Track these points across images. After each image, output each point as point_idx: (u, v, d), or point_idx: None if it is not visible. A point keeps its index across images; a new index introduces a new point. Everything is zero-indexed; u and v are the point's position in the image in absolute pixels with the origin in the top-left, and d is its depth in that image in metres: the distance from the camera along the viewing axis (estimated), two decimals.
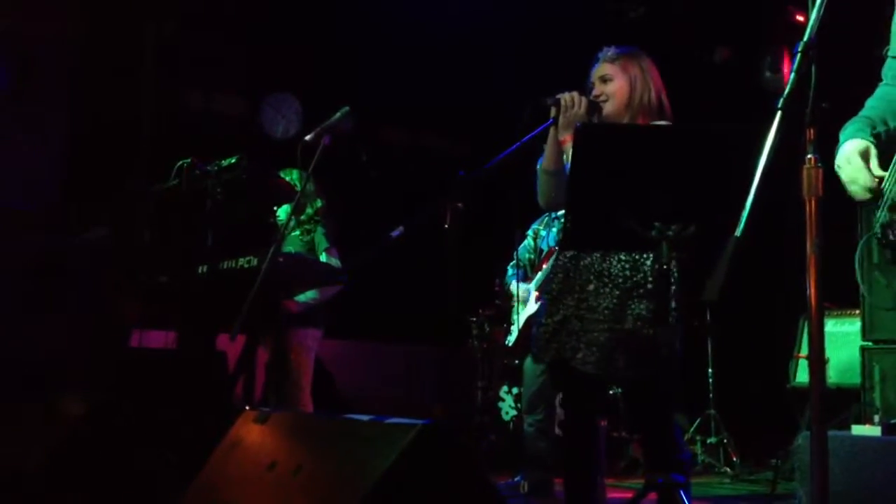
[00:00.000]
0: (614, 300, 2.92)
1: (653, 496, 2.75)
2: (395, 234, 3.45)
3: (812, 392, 2.09)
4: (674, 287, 2.86)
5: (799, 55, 2.05)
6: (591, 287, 2.96)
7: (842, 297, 5.30)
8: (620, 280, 2.94)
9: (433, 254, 3.53)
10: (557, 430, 5.41)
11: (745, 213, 2.02)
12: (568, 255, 3.07)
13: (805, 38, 2.06)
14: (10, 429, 3.91)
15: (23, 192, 4.87)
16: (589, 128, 2.83)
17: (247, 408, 2.82)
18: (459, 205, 3.32)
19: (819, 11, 2.09)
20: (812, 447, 2.07)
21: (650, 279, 2.92)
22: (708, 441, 6.22)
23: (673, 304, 2.86)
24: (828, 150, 2.14)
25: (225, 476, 2.30)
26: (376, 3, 6.50)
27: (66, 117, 5.06)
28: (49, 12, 4.88)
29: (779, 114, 2.04)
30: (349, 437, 2.05)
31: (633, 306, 2.92)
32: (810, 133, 2.05)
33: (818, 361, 2.07)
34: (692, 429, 6.28)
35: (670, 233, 2.63)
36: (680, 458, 3.01)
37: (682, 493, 2.65)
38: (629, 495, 3.31)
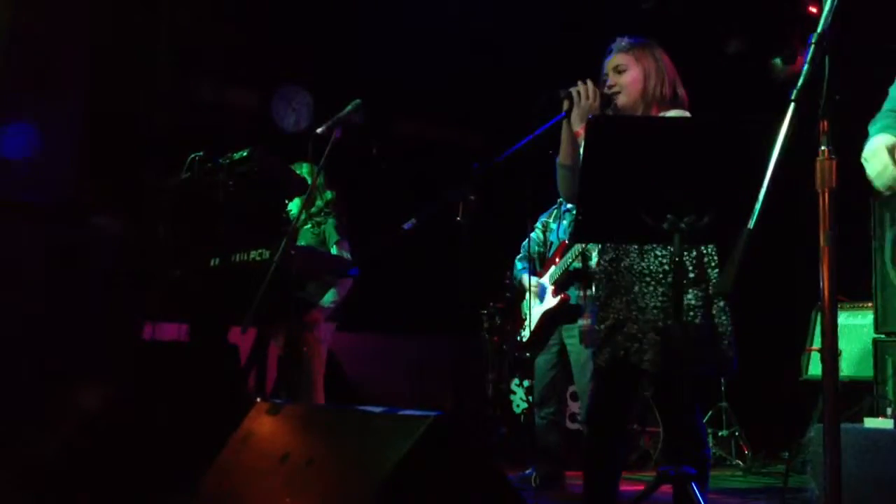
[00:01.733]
0: (661, 298, 2.90)
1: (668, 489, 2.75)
2: (407, 226, 3.45)
3: (825, 385, 2.08)
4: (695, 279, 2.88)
5: (812, 47, 2.04)
6: (637, 288, 2.94)
7: (855, 290, 5.29)
8: (661, 276, 2.92)
9: (446, 246, 3.54)
10: (569, 424, 5.43)
11: (758, 205, 2.01)
12: (607, 259, 3.06)
13: (818, 30, 2.05)
14: (26, 423, 3.93)
15: (36, 186, 4.88)
16: (601, 119, 2.82)
17: (258, 400, 2.82)
18: (472, 197, 3.32)
19: (833, 3, 2.08)
20: (825, 440, 2.07)
21: (690, 268, 2.91)
22: (720, 434, 6.21)
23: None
24: (841, 142, 2.13)
25: (238, 468, 2.31)
26: None
27: (80, 111, 5.07)
28: (63, 7, 4.89)
29: (792, 106, 2.03)
30: (361, 428, 2.05)
31: (684, 298, 2.90)
32: (824, 125, 2.04)
33: (832, 354, 2.06)
34: (703, 421, 6.27)
35: (683, 225, 2.63)
36: (702, 453, 3.00)
37: (694, 485, 2.64)
38: (640, 487, 3.30)
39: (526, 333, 4.80)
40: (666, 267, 2.91)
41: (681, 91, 3.15)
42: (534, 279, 4.72)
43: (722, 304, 2.96)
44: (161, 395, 4.21)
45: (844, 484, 3.62)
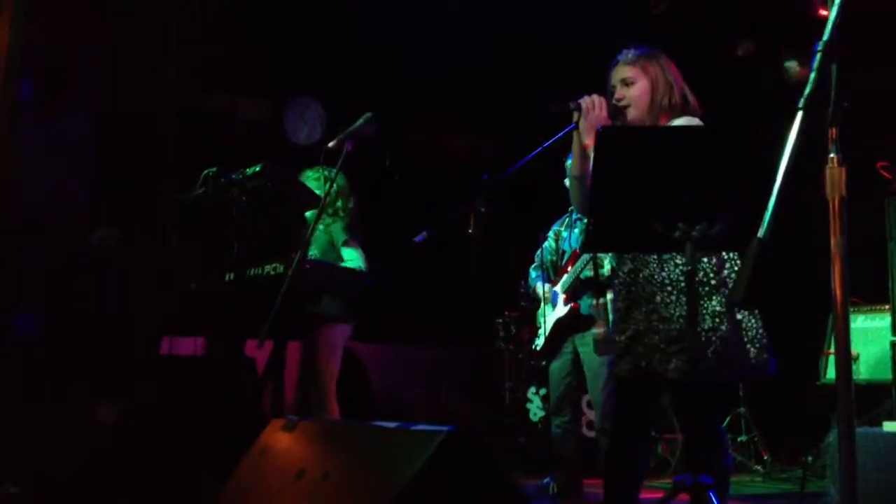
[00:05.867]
0: (684, 306, 2.88)
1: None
2: (419, 239, 3.46)
3: (839, 390, 2.07)
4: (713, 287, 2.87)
5: (819, 54, 2.04)
6: (658, 298, 2.93)
7: (871, 293, 5.26)
8: (682, 284, 2.91)
9: (460, 257, 3.55)
10: (585, 431, 5.42)
11: (767, 214, 2.01)
12: (626, 270, 3.05)
13: (825, 37, 2.05)
14: (48, 435, 3.96)
15: (51, 203, 4.92)
16: (609, 130, 2.82)
17: (273, 416, 2.84)
18: (483, 209, 3.33)
19: (839, 10, 2.08)
20: (840, 445, 2.06)
21: (711, 275, 2.91)
22: (738, 439, 6.19)
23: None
24: (852, 148, 2.12)
25: (254, 484, 2.32)
26: (400, 4, 6.51)
27: (94, 126, 5.11)
28: (75, 20, 4.93)
29: (800, 114, 2.03)
30: (376, 444, 2.06)
31: (705, 305, 2.89)
32: (833, 132, 2.04)
33: (844, 360, 2.06)
34: (723, 428, 6.24)
35: (694, 233, 2.63)
36: (723, 463, 2.99)
37: (711, 494, 2.63)
38: (658, 495, 3.29)
39: (540, 342, 4.80)
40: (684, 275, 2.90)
41: (691, 98, 3.14)
42: (547, 286, 4.73)
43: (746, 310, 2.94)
44: (178, 410, 4.24)
45: (863, 487, 3.61)
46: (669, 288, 2.92)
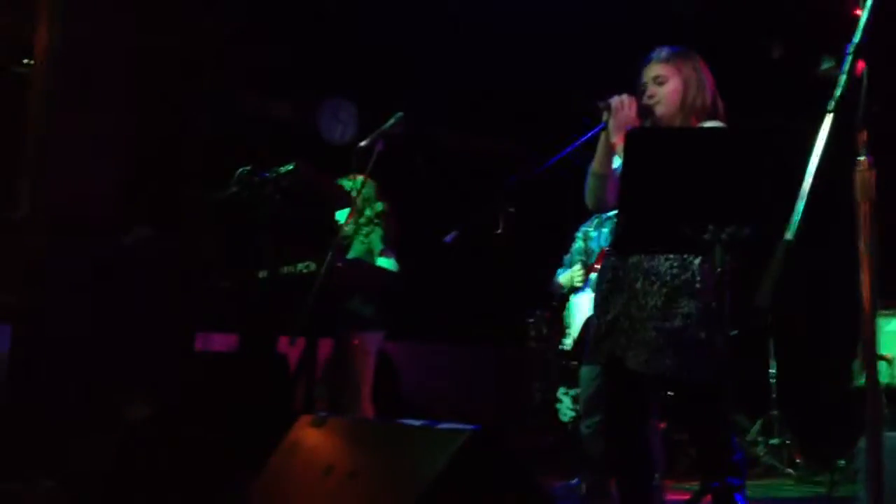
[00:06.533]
0: (662, 298, 2.90)
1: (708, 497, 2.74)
2: (448, 238, 3.48)
3: (867, 393, 2.07)
4: (729, 289, 2.85)
5: (849, 56, 2.03)
6: (639, 285, 2.94)
7: None
8: (668, 278, 2.91)
9: (489, 257, 3.56)
10: None
11: (795, 217, 2.01)
12: (614, 258, 3.07)
13: (855, 39, 2.04)
14: (80, 431, 4.03)
15: (83, 201, 4.99)
16: (641, 132, 2.82)
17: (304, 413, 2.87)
18: (511, 209, 3.34)
19: (870, 11, 2.07)
20: (867, 449, 2.05)
21: (699, 279, 2.90)
22: (770, 442, 6.14)
23: (726, 306, 2.84)
24: (882, 152, 2.11)
25: (283, 480, 2.36)
26: (430, 5, 6.53)
27: (125, 125, 5.17)
28: (107, 19, 5.00)
29: (830, 116, 2.02)
30: (401, 442, 2.08)
31: (682, 304, 2.90)
32: (862, 136, 2.03)
33: (871, 364, 2.05)
34: (754, 430, 6.20)
35: (724, 236, 2.63)
36: (733, 461, 2.98)
37: (737, 496, 2.63)
38: (688, 496, 3.28)
39: (568, 342, 4.79)
40: (675, 270, 2.90)
41: (719, 102, 3.14)
42: (568, 272, 4.71)
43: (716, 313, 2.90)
44: (211, 405, 4.29)
45: (892, 492, 3.58)
46: (653, 277, 2.92)
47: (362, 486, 2.02)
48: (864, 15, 2.07)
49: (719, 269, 2.62)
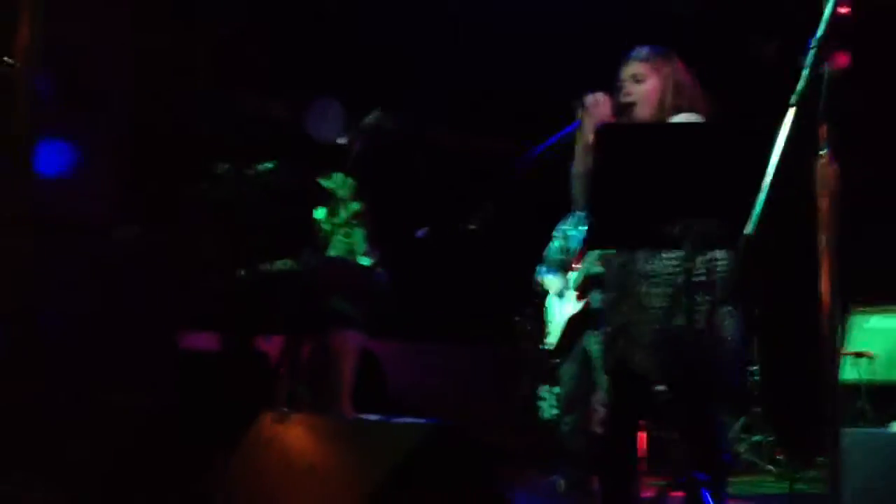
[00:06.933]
0: (666, 299, 2.88)
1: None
2: (420, 233, 3.47)
3: (827, 390, 2.07)
4: (707, 285, 2.86)
5: (812, 51, 2.04)
6: (643, 289, 2.93)
7: (886, 292, 5.22)
8: (669, 278, 2.90)
9: (473, 255, 3.56)
10: (596, 429, 5.41)
11: (756, 211, 2.01)
12: (616, 264, 3.06)
13: (818, 34, 2.05)
14: (72, 428, 4.01)
15: (74, 198, 4.98)
16: (607, 127, 2.82)
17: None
18: (489, 206, 3.33)
19: (833, 7, 2.08)
20: (828, 444, 2.06)
21: (697, 274, 2.89)
22: (753, 439, 6.15)
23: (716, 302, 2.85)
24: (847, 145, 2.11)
25: (245, 475, 2.36)
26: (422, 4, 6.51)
27: (119, 122, 5.16)
28: (102, 18, 4.98)
29: (792, 110, 2.03)
30: (360, 438, 2.09)
31: (684, 301, 2.88)
32: (823, 129, 2.04)
33: (831, 361, 2.06)
34: (737, 427, 6.21)
35: (692, 229, 2.63)
36: (718, 459, 2.98)
37: (704, 491, 2.63)
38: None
39: (551, 340, 4.80)
40: (673, 269, 2.90)
41: (700, 102, 3.12)
42: (555, 277, 4.72)
43: (728, 310, 2.92)
44: (192, 404, 4.29)
45: (871, 489, 3.59)
46: (655, 279, 2.91)
47: (320, 481, 2.02)
48: (827, 9, 2.07)
49: (687, 265, 2.63)
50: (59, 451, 3.94)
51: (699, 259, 2.89)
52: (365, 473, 1.89)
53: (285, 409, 2.61)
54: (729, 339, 2.88)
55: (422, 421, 1.89)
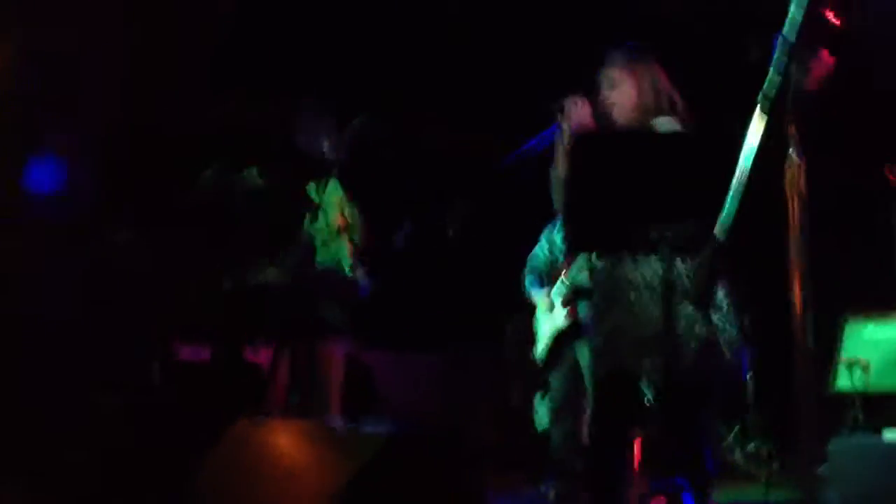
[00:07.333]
0: (657, 305, 2.84)
1: None
2: (398, 238, 3.46)
3: (801, 398, 2.05)
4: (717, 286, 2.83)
5: (777, 49, 2.02)
6: (633, 297, 2.91)
7: (881, 301, 5.18)
8: (657, 284, 2.87)
9: (462, 262, 3.53)
10: (586, 439, 5.37)
11: (724, 213, 1.99)
12: (600, 267, 3.04)
13: (784, 32, 2.03)
14: (60, 431, 3.99)
15: (60, 205, 4.97)
16: (582, 136, 2.83)
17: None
18: (463, 208, 3.32)
19: (800, 6, 2.06)
20: (802, 453, 2.03)
21: (686, 279, 2.87)
22: (747, 448, 6.10)
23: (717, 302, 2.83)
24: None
25: (217, 479, 2.35)
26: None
27: (103, 128, 5.16)
28: (85, 22, 4.98)
29: (757, 109, 2.01)
30: (330, 443, 2.08)
31: (680, 308, 2.85)
32: (791, 129, 2.02)
33: (805, 368, 2.03)
34: (731, 435, 6.17)
35: (668, 234, 2.61)
36: (702, 466, 2.95)
37: (685, 497, 2.61)
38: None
39: (539, 351, 4.77)
40: (661, 274, 2.86)
41: (678, 101, 3.11)
42: (542, 293, 4.69)
43: (725, 312, 2.90)
44: (186, 415, 4.27)
45: (865, 495, 3.55)
46: (643, 287, 2.89)
47: (291, 483, 2.01)
48: (793, 9, 2.05)
49: (665, 268, 2.61)
50: (45, 455, 3.92)
51: (680, 264, 2.87)
52: (329, 479, 1.88)
53: (260, 415, 2.62)
54: (723, 345, 2.85)
55: (385, 429, 1.88)
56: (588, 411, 5.26)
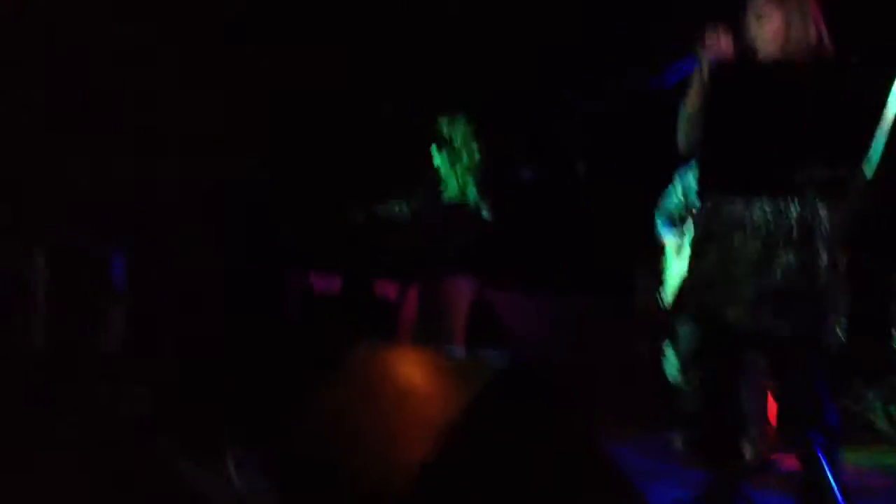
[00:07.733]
0: (759, 251, 2.72)
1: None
2: (526, 176, 3.39)
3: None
4: (826, 237, 2.66)
5: None
6: (735, 238, 2.78)
7: None
8: (764, 230, 2.73)
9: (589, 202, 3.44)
10: None
11: (874, 155, 1.85)
12: (708, 205, 2.89)
13: None
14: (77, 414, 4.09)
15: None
16: (726, 67, 2.65)
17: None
18: (587, 147, 3.21)
19: None
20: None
21: (796, 228, 2.71)
22: (890, 409, 5.81)
23: (825, 256, 2.66)
24: None
25: (336, 404, 2.40)
26: None
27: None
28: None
29: None
30: (447, 370, 2.10)
31: (780, 257, 2.71)
32: None
33: None
34: (872, 395, 5.88)
35: (815, 177, 2.46)
36: (824, 422, 2.81)
37: (820, 452, 2.48)
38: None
39: (666, 294, 4.64)
40: (771, 220, 2.68)
41: (825, 37, 2.89)
42: (673, 236, 4.54)
43: (825, 265, 2.70)
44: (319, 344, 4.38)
45: None
46: (748, 230, 2.72)
47: (409, 411, 2.04)
48: None
49: (807, 214, 2.46)
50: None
51: (793, 212, 2.70)
52: (448, 402, 1.89)
53: (377, 343, 2.66)
54: (833, 295, 2.68)
55: (500, 357, 1.87)
56: None
